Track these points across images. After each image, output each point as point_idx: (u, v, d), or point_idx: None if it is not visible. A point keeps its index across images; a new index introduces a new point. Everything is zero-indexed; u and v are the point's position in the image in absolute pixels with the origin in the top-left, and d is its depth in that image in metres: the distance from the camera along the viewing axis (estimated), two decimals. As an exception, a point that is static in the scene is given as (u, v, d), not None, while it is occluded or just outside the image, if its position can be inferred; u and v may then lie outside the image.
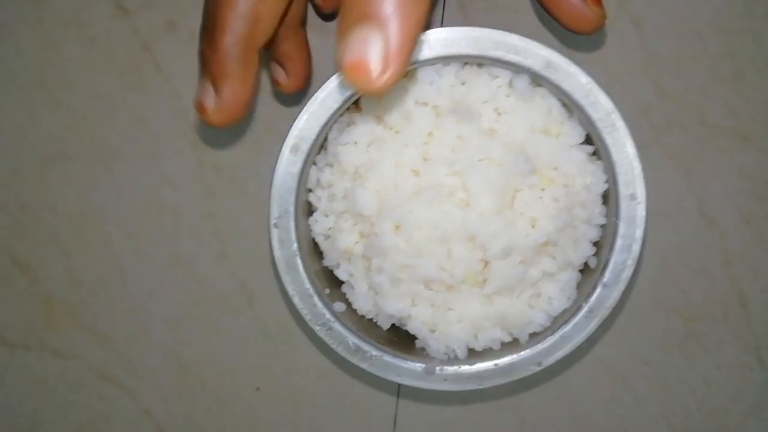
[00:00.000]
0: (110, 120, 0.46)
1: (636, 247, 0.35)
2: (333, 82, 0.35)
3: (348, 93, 0.34)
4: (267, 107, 0.45)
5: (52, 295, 0.47)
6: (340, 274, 0.38)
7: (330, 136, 0.37)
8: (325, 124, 0.35)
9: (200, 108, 0.34)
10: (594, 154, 0.36)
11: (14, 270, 0.47)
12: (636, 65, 0.44)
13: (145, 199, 0.46)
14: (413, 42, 0.25)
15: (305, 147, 0.35)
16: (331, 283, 0.38)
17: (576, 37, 0.44)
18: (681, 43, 0.44)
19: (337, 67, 0.25)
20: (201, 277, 0.47)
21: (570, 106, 0.35)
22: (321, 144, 0.37)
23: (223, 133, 0.46)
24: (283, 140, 0.35)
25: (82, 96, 0.46)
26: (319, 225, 0.37)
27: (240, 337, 0.47)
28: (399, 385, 0.47)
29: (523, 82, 0.35)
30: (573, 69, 0.34)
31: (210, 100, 0.33)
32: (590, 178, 0.36)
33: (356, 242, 0.36)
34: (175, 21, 0.45)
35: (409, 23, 0.24)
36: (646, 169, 0.35)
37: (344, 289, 0.38)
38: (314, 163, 0.37)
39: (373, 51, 0.24)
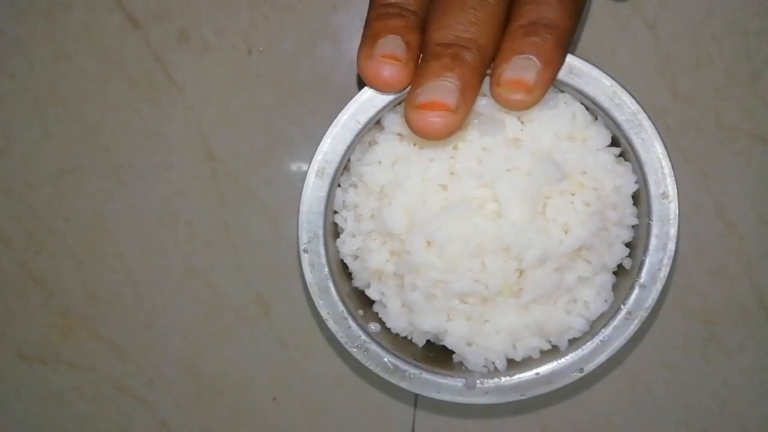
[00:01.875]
0: (123, 132, 0.46)
1: (671, 246, 0.35)
2: (355, 103, 0.34)
3: (370, 114, 0.34)
4: (274, 114, 0.45)
5: (68, 308, 0.47)
6: (372, 293, 0.37)
7: (353, 157, 0.36)
8: (350, 146, 0.35)
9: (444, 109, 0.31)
10: (621, 155, 0.36)
11: (30, 283, 0.47)
12: (651, 68, 0.44)
13: (159, 210, 0.46)
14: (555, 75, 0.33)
15: (330, 170, 0.35)
16: (363, 303, 0.38)
17: (589, 42, 0.43)
18: (696, 46, 0.44)
19: (496, 83, 0.32)
20: (216, 288, 0.47)
21: (594, 109, 0.35)
22: (344, 165, 0.36)
23: (236, 142, 0.45)
24: (308, 165, 0.35)
25: (95, 108, 0.46)
26: (346, 246, 0.37)
27: (256, 347, 0.47)
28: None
29: None
30: (595, 72, 0.34)
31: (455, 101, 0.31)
32: (619, 180, 0.35)
33: (386, 261, 0.36)
34: (187, 32, 0.45)
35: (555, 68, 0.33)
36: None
37: (376, 308, 0.38)
38: (338, 185, 0.37)
39: (529, 74, 0.32)
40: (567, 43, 0.33)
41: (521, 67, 0.32)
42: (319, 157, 0.35)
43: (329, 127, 0.35)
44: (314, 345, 0.47)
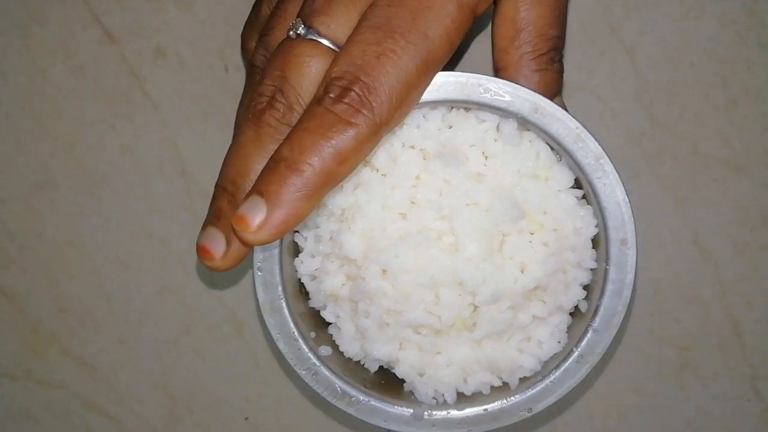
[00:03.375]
0: (98, 148, 0.45)
1: (627, 293, 0.35)
2: None
3: None
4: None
5: (39, 324, 0.47)
6: (327, 315, 0.37)
7: None
8: None
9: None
10: (584, 197, 0.36)
11: (0, 298, 0.46)
12: (628, 94, 0.44)
13: (133, 227, 0.46)
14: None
15: None
16: (318, 323, 0.38)
17: (568, 67, 0.43)
18: (674, 72, 0.44)
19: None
20: (190, 306, 0.46)
21: (558, 150, 0.35)
22: None
23: (211, 160, 0.45)
24: None
25: (70, 123, 0.45)
26: (305, 266, 0.37)
27: (229, 367, 0.47)
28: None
29: (510, 126, 0.34)
30: (561, 114, 0.34)
31: (258, 218, 0.31)
32: (580, 222, 0.35)
33: (342, 285, 0.36)
34: (163, 48, 0.45)
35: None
36: (638, 199, 0.35)
37: (331, 330, 0.38)
38: None
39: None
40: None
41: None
42: None
43: None
44: (287, 365, 0.46)
